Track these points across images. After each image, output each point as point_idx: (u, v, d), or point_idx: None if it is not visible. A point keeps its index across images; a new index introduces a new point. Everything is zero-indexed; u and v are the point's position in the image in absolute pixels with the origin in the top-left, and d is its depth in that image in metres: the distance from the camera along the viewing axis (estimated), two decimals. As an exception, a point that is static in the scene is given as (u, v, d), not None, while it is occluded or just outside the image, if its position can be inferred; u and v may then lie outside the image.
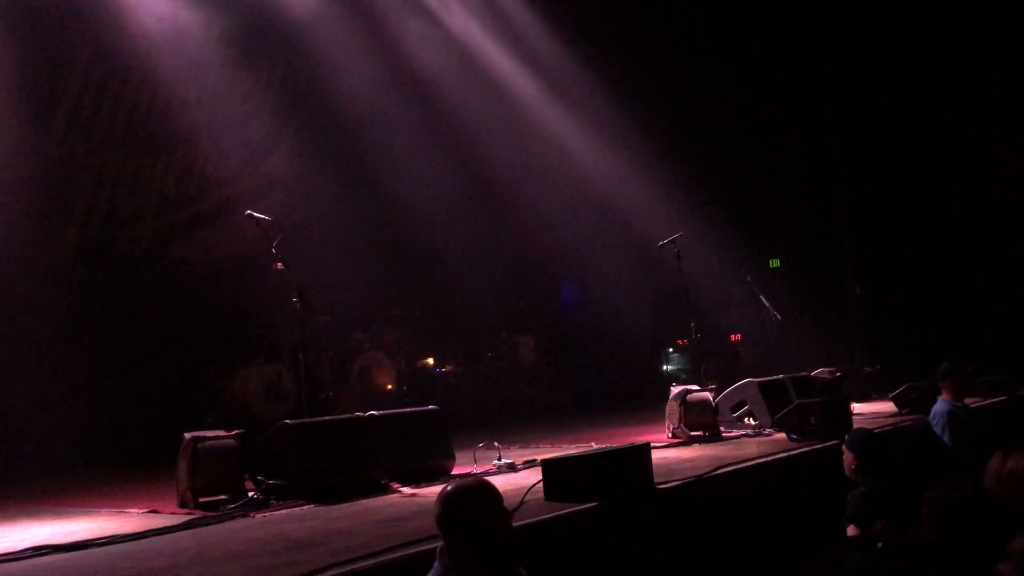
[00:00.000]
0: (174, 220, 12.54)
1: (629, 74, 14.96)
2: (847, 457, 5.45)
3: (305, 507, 5.71)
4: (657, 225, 12.45)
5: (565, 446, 8.19)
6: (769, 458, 6.70)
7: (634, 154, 14.94)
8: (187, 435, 6.05)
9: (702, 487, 5.69)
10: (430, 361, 13.92)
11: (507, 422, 12.48)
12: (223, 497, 5.93)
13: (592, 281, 16.84)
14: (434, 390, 13.09)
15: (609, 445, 6.58)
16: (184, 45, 12.04)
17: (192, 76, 12.37)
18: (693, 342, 10.81)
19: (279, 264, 7.46)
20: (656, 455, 5.89)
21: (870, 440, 5.64)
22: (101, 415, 10.32)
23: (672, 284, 9.86)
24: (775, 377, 9.41)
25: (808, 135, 15.59)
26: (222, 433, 6.24)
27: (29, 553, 4.71)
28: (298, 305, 7.45)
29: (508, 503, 3.40)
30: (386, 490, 6.18)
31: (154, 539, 4.95)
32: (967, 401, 7.93)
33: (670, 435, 8.53)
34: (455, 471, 6.75)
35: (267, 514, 5.57)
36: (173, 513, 5.79)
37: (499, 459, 6.92)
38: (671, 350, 16.07)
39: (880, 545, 4.84)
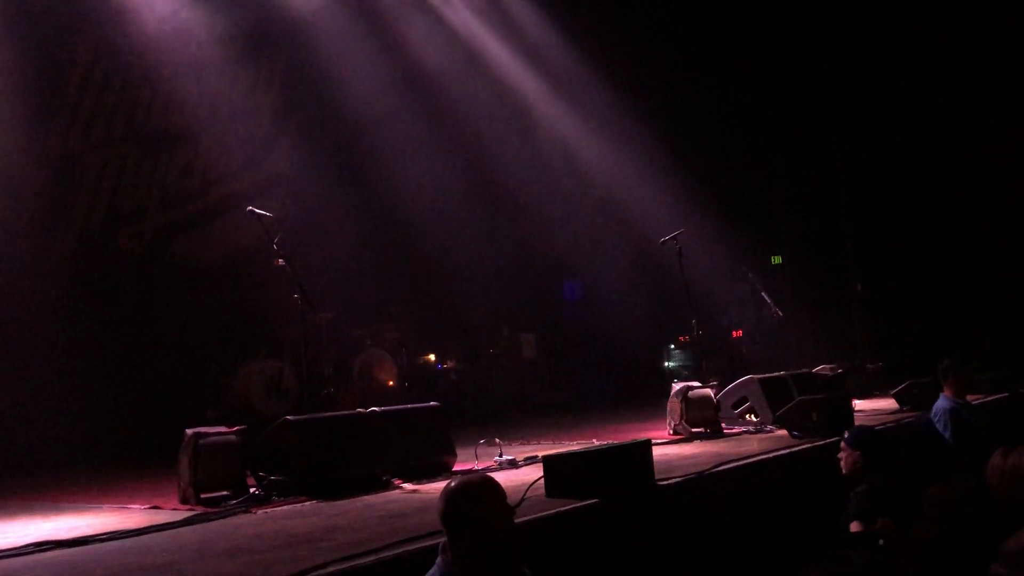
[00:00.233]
0: (176, 217, 12.55)
1: (631, 71, 14.94)
2: (848, 454, 5.43)
3: (306, 503, 5.71)
4: (659, 222, 12.44)
5: (566, 443, 8.20)
6: (770, 455, 6.70)
7: (636, 150, 14.93)
8: (188, 431, 6.04)
9: (703, 484, 5.69)
10: (431, 358, 13.93)
11: (508, 418, 12.49)
12: (225, 493, 5.92)
13: (594, 278, 16.84)
14: (436, 387, 13.11)
15: (610, 442, 6.59)
16: (185, 42, 12.05)
17: (194, 73, 12.37)
18: (695, 339, 10.82)
19: (280, 260, 7.46)
20: (657, 452, 5.88)
21: (875, 437, 5.64)
22: (103, 411, 10.33)
23: (674, 281, 9.85)
24: (777, 374, 9.42)
25: (810, 132, 15.56)
26: (224, 429, 6.24)
27: (31, 549, 4.71)
28: (299, 302, 7.45)
29: (509, 499, 3.40)
30: (387, 486, 6.18)
31: (156, 535, 4.94)
32: (969, 398, 7.94)
33: (671, 432, 8.53)
34: (456, 467, 6.75)
35: (269, 510, 5.57)
36: (175, 509, 5.78)
37: (500, 455, 6.92)
38: (672, 347, 16.07)
39: (881, 542, 4.84)
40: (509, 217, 15.16)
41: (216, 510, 5.58)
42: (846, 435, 5.55)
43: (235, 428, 6.27)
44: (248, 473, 6.19)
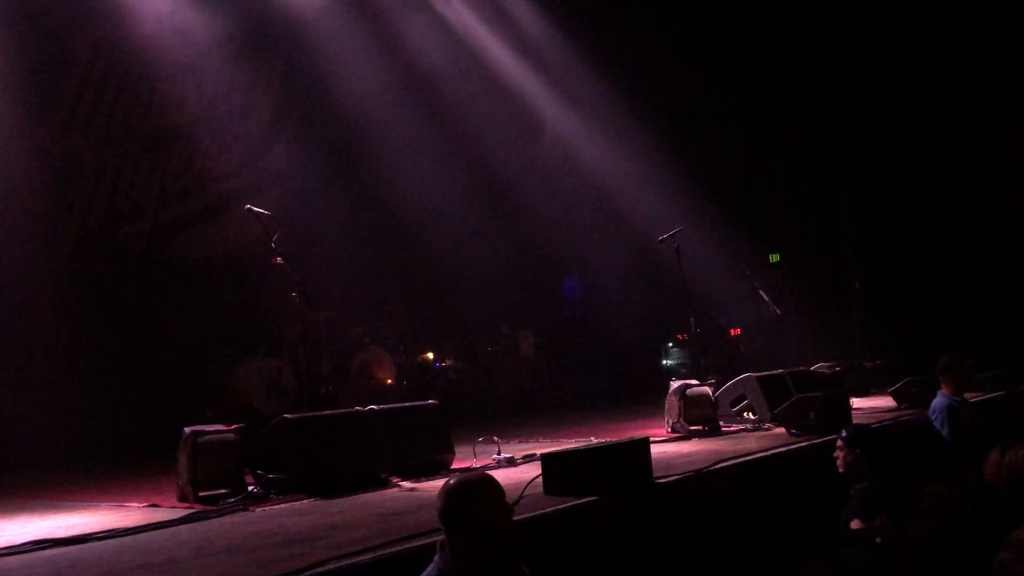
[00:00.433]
0: (174, 215, 12.54)
1: (630, 69, 14.95)
2: (846, 453, 5.43)
3: (305, 501, 5.70)
4: (657, 219, 12.45)
5: (564, 440, 8.20)
6: (768, 452, 6.70)
7: (635, 148, 14.94)
8: (187, 429, 6.04)
9: (701, 481, 5.70)
10: (430, 356, 13.92)
11: (507, 416, 12.50)
12: (223, 491, 5.91)
13: (592, 276, 16.86)
14: (434, 385, 13.11)
15: (608, 439, 6.60)
16: (184, 40, 12.03)
17: (192, 71, 12.36)
18: (693, 337, 10.85)
19: (279, 259, 7.46)
20: (655, 449, 5.89)
21: (872, 435, 5.65)
22: (101, 409, 10.33)
23: (672, 279, 9.86)
24: (775, 372, 9.43)
25: (809, 130, 15.57)
26: (222, 427, 6.24)
27: (29, 547, 4.71)
28: (298, 300, 7.44)
29: (508, 497, 3.40)
30: (386, 484, 6.18)
31: (154, 533, 4.94)
32: (967, 396, 7.94)
33: (669, 429, 8.53)
34: (455, 465, 6.76)
35: (267, 508, 5.56)
36: (173, 507, 5.78)
37: (499, 453, 6.92)
38: (671, 345, 16.09)
39: (878, 540, 4.85)
40: (508, 215, 15.16)
41: (214, 508, 5.57)
42: (843, 433, 5.55)
43: (233, 426, 6.27)
44: (246, 471, 6.19)
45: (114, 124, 11.95)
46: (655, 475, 5.46)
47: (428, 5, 14.01)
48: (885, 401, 9.85)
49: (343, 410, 7.22)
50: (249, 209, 7.66)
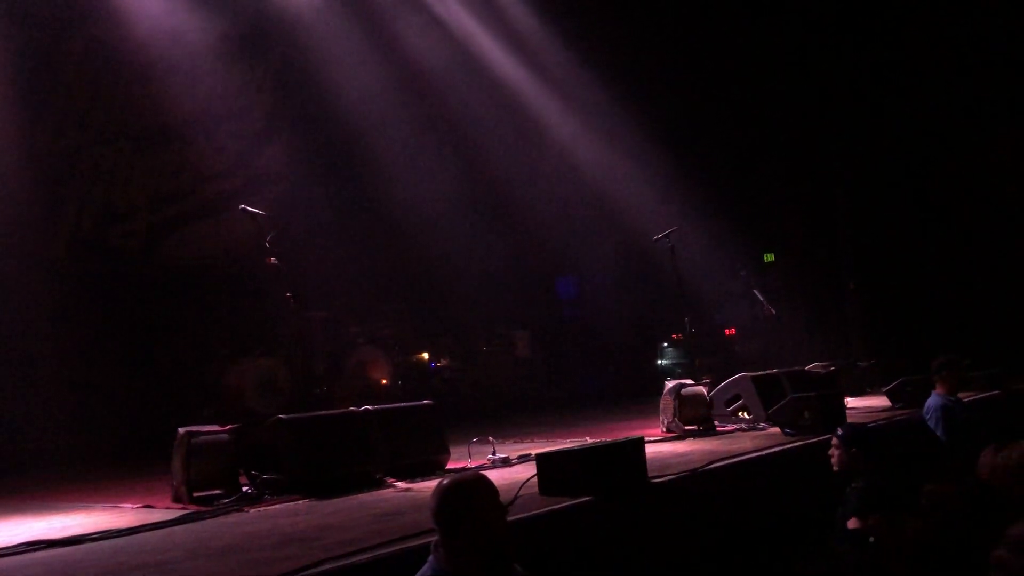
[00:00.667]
0: (169, 215, 12.51)
1: (626, 69, 14.95)
2: (841, 452, 5.44)
3: (300, 502, 5.70)
4: (652, 219, 12.45)
5: (560, 440, 8.20)
6: (763, 452, 6.71)
7: (629, 148, 14.94)
8: (181, 430, 6.03)
9: (696, 481, 5.70)
10: (425, 356, 13.91)
11: (502, 416, 12.48)
12: (217, 492, 5.91)
13: (587, 276, 16.86)
14: (429, 385, 13.10)
15: (604, 439, 6.59)
16: (177, 39, 12.00)
17: (186, 70, 12.32)
18: (688, 336, 10.83)
19: (273, 259, 7.45)
20: (650, 449, 5.89)
21: (867, 434, 5.66)
22: (95, 410, 10.32)
23: (667, 278, 9.86)
24: (769, 371, 9.43)
25: (805, 130, 15.59)
26: (216, 428, 6.24)
27: (23, 548, 4.70)
28: (293, 300, 7.43)
29: (503, 497, 3.40)
30: (381, 485, 6.18)
31: (148, 534, 4.94)
32: (961, 395, 7.96)
33: (664, 429, 8.53)
34: (450, 466, 6.76)
35: (262, 509, 5.56)
36: (167, 508, 5.77)
37: (494, 453, 6.92)
38: (666, 344, 16.07)
39: (872, 540, 4.86)
40: (503, 215, 15.16)
41: (209, 509, 5.57)
42: (838, 432, 5.57)
43: (228, 427, 6.26)
44: (241, 472, 6.18)
45: (108, 124, 11.92)
46: (650, 475, 5.46)
47: (423, 5, 13.99)
48: (880, 401, 9.86)
49: (338, 410, 7.21)
50: (243, 209, 7.65)
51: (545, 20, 14.51)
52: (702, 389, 8.91)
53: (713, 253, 14.06)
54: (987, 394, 9.70)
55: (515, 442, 8.37)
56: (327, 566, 3.72)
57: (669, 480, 5.55)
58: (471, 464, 6.77)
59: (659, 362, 16.31)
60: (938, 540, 4.75)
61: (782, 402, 7.98)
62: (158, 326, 11.60)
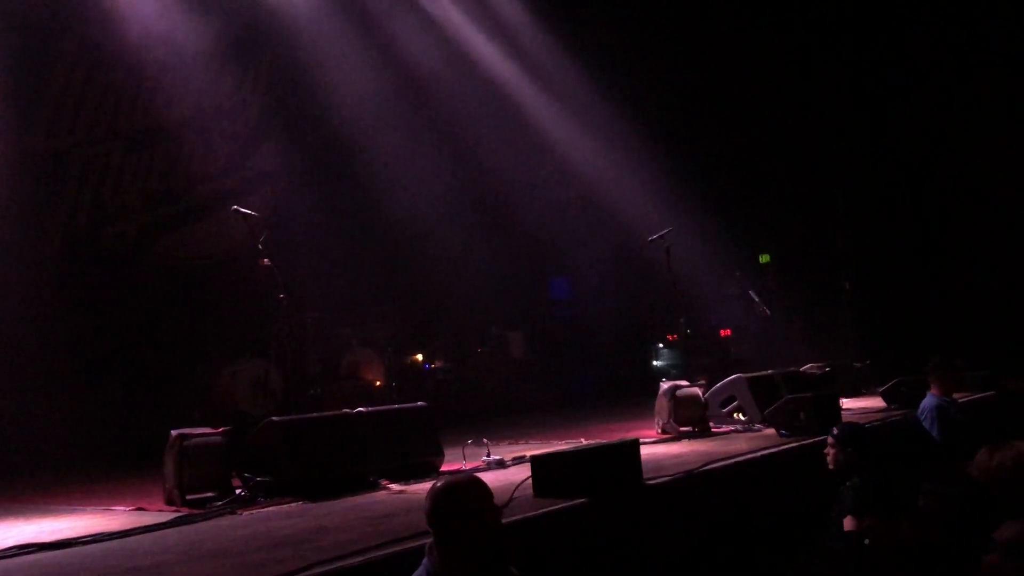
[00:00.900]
0: (161, 216, 12.47)
1: (620, 69, 14.95)
2: (836, 451, 5.44)
3: (293, 504, 5.67)
4: (647, 220, 12.44)
5: (554, 442, 8.18)
6: (759, 453, 6.70)
7: (624, 148, 14.93)
8: (173, 432, 6.01)
9: (692, 483, 5.69)
10: (419, 357, 13.88)
11: (496, 418, 12.45)
12: (210, 494, 5.89)
13: (582, 276, 16.85)
14: (423, 386, 13.06)
15: (598, 441, 6.58)
16: (170, 39, 11.97)
17: (178, 71, 12.28)
18: (683, 337, 10.83)
19: (266, 260, 7.42)
20: (645, 451, 5.88)
21: (862, 433, 5.67)
22: (87, 412, 10.26)
23: (662, 279, 9.85)
24: (765, 372, 9.42)
25: (801, 130, 15.59)
26: (209, 430, 6.21)
27: (14, 551, 4.67)
28: (285, 301, 7.41)
29: (497, 499, 3.38)
30: (374, 487, 6.15)
31: (140, 537, 4.90)
32: (956, 396, 7.96)
33: (660, 431, 8.53)
34: (444, 468, 6.72)
35: (254, 511, 5.53)
36: (160, 511, 5.74)
37: (488, 455, 6.89)
38: (661, 345, 16.07)
39: (867, 542, 4.86)
40: (497, 216, 15.14)
41: (201, 512, 5.54)
42: (834, 431, 5.58)
43: (220, 429, 6.24)
44: (234, 474, 6.15)
45: (100, 124, 11.87)
46: (645, 476, 5.45)
47: (417, 5, 13.98)
48: (875, 401, 9.86)
49: (331, 412, 7.19)
50: (236, 210, 7.62)
51: (539, 20, 14.51)
52: (697, 390, 8.91)
53: (708, 254, 14.04)
54: (982, 395, 9.72)
55: (510, 444, 8.35)
56: (320, 569, 3.69)
57: (664, 481, 5.54)
58: (465, 466, 6.74)
59: (654, 363, 16.31)
60: (933, 541, 4.75)
61: (777, 403, 7.98)
62: (150, 327, 11.55)
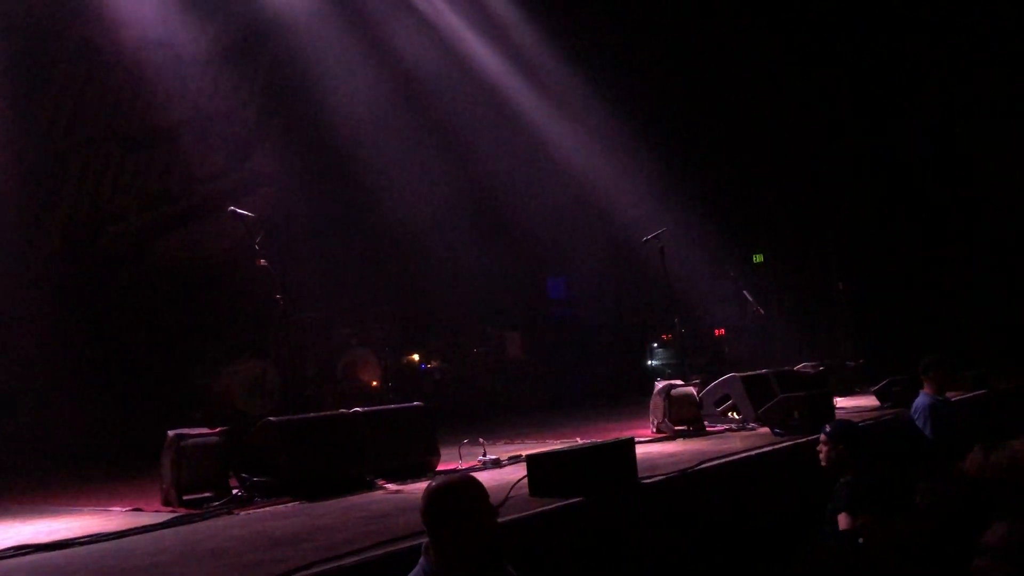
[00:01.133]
0: (159, 217, 12.46)
1: (614, 69, 14.97)
2: (829, 448, 5.47)
3: (290, 504, 5.69)
4: (642, 220, 12.47)
5: (550, 441, 8.20)
6: (753, 452, 6.73)
7: (619, 149, 14.96)
8: (171, 432, 6.01)
9: (686, 481, 5.72)
10: (415, 357, 13.88)
11: (493, 418, 12.48)
12: (207, 495, 5.89)
13: (577, 276, 16.87)
14: (420, 386, 13.06)
15: (594, 440, 6.61)
16: (168, 41, 11.96)
17: (176, 72, 12.28)
18: (677, 337, 10.84)
19: (263, 261, 7.43)
20: (640, 450, 5.90)
21: (855, 430, 5.70)
22: (85, 412, 10.25)
23: (656, 279, 9.88)
24: (759, 371, 9.46)
25: (794, 131, 15.64)
26: (206, 430, 6.21)
27: (11, 552, 4.67)
28: (282, 302, 7.42)
29: (493, 499, 3.40)
30: (371, 487, 6.17)
31: (137, 537, 4.91)
32: (948, 395, 8.00)
33: (654, 430, 8.55)
34: (440, 467, 6.75)
35: (252, 511, 5.55)
36: (157, 511, 5.75)
37: (484, 455, 6.92)
38: (655, 345, 16.11)
39: (861, 540, 4.88)
40: (494, 216, 15.15)
41: (198, 512, 5.55)
42: (826, 428, 5.61)
43: (217, 429, 6.24)
44: (231, 474, 6.16)
45: (98, 126, 11.87)
46: (640, 475, 5.47)
47: (414, 8, 13.98)
48: (868, 400, 9.91)
49: (328, 412, 7.20)
50: (233, 211, 7.63)
51: (535, 21, 14.52)
52: (692, 389, 8.93)
53: (702, 254, 14.09)
54: (974, 394, 9.77)
55: (506, 443, 8.37)
56: (317, 568, 3.71)
57: (659, 480, 5.56)
58: (461, 466, 6.77)
59: (649, 362, 16.35)
60: (928, 539, 4.78)
61: (771, 402, 8.02)
62: (148, 327, 11.54)
